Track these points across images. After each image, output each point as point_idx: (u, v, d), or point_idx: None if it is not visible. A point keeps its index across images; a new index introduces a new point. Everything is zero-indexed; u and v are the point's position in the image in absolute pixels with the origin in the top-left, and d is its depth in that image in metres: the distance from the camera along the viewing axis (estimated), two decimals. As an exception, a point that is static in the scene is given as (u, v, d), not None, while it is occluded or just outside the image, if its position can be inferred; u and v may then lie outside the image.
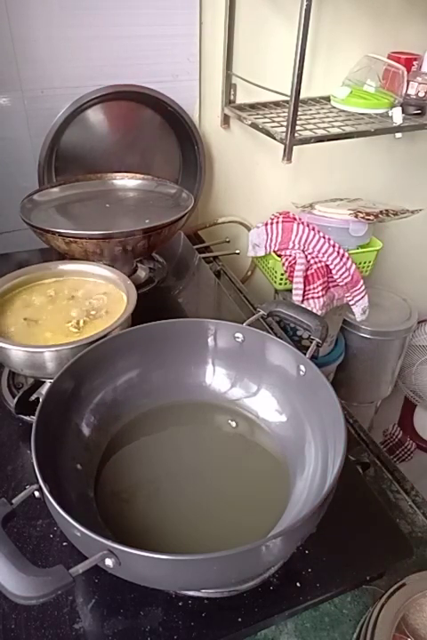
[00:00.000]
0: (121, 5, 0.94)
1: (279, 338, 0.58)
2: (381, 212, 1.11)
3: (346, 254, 1.09)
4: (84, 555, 0.39)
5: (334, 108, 1.12)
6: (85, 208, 0.93)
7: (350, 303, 1.15)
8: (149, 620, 0.45)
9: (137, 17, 0.96)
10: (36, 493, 0.40)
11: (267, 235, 1.10)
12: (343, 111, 1.10)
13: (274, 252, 1.12)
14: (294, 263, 1.09)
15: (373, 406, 1.57)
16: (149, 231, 0.79)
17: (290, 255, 1.10)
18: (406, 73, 1.08)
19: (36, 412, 0.46)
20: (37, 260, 0.75)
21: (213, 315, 0.91)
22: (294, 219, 1.12)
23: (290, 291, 1.11)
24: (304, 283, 1.09)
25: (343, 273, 1.09)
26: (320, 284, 1.09)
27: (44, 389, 0.57)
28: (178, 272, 1.01)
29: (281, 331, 0.91)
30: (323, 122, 1.05)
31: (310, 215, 1.14)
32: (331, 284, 1.13)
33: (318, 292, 1.10)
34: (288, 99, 0.92)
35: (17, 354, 0.57)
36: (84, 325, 0.64)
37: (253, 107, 1.12)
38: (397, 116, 1.07)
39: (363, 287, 1.13)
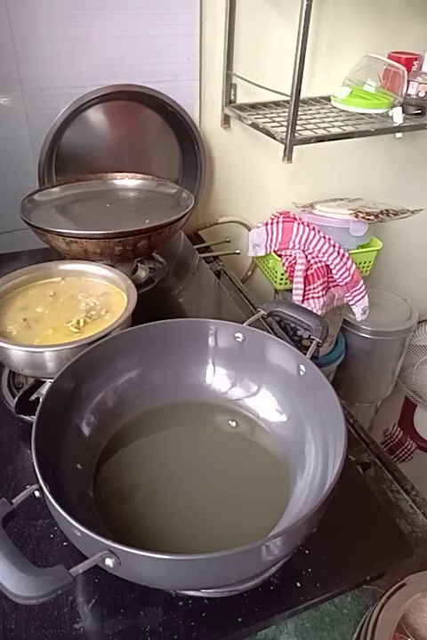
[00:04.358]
0: (121, 5, 0.94)
1: (279, 338, 0.58)
2: (381, 212, 1.11)
3: (346, 254, 1.09)
4: (84, 555, 0.39)
5: (335, 107, 1.12)
6: (86, 208, 0.92)
7: (351, 303, 1.15)
8: (149, 619, 0.45)
9: (137, 17, 0.96)
10: (37, 493, 0.40)
11: (267, 234, 1.10)
12: (344, 111, 1.10)
13: (274, 251, 1.12)
14: (295, 263, 1.09)
15: (373, 406, 1.57)
16: (150, 231, 0.79)
17: (290, 255, 1.10)
18: (406, 73, 1.08)
19: (37, 412, 0.46)
20: (37, 260, 0.75)
21: (214, 315, 0.91)
22: (295, 219, 1.12)
23: (290, 291, 1.11)
24: (304, 283, 1.09)
25: (344, 273, 1.09)
26: (320, 284, 1.09)
27: (45, 389, 0.57)
28: (178, 272, 1.01)
29: (281, 331, 0.91)
30: (323, 122, 1.05)
31: (311, 215, 1.14)
32: (331, 284, 1.13)
33: (318, 292, 1.10)
34: (289, 99, 0.92)
35: (17, 354, 0.57)
36: (84, 325, 0.64)
37: (253, 107, 1.12)
38: (397, 115, 1.07)
39: (363, 287, 1.13)
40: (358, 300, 1.14)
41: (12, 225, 0.98)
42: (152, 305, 0.82)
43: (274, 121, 1.04)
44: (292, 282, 1.10)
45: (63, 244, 0.78)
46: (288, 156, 0.96)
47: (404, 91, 1.09)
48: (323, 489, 0.41)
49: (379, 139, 1.17)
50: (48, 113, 0.95)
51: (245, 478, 0.54)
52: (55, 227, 0.78)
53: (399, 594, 0.46)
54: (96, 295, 0.70)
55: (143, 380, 0.60)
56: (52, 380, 0.50)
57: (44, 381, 0.62)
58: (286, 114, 0.94)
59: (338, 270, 1.09)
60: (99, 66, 0.97)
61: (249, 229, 1.24)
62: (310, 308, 0.87)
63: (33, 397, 0.62)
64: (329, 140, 1.01)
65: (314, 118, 1.07)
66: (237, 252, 1.20)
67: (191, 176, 1.14)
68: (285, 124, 0.97)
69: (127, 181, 0.99)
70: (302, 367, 0.54)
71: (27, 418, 0.63)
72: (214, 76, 1.10)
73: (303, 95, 0.93)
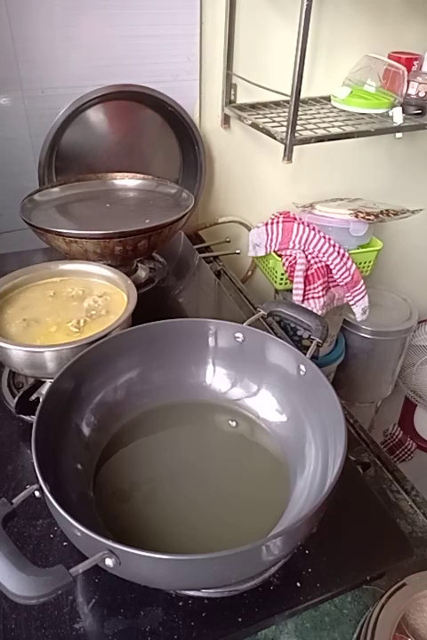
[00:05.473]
0: (121, 5, 0.94)
1: (280, 338, 0.58)
2: (381, 212, 1.11)
3: (346, 254, 1.09)
4: (84, 554, 0.39)
5: (335, 107, 1.12)
6: (86, 208, 0.92)
7: (351, 303, 1.15)
8: (150, 619, 0.45)
9: (137, 17, 0.96)
10: (37, 493, 0.40)
11: (267, 234, 1.10)
12: (344, 111, 1.10)
13: (274, 251, 1.12)
14: (295, 263, 1.09)
15: (373, 406, 1.57)
16: (150, 231, 0.79)
17: (290, 255, 1.10)
18: (406, 73, 1.08)
19: (37, 412, 0.46)
20: (37, 260, 0.75)
21: (214, 314, 0.91)
22: (295, 219, 1.12)
23: (290, 291, 1.11)
24: (304, 283, 1.09)
25: (344, 273, 1.09)
26: (321, 284, 1.09)
27: (45, 389, 0.57)
28: (178, 272, 1.01)
29: (281, 331, 0.91)
30: (323, 122, 1.05)
31: (311, 215, 1.14)
32: (331, 284, 1.13)
33: (318, 292, 1.10)
34: (289, 99, 0.92)
35: (17, 354, 0.57)
36: (84, 325, 0.64)
37: (253, 107, 1.12)
38: (397, 115, 1.07)
39: (363, 287, 1.13)
40: (359, 299, 1.14)
41: (12, 225, 0.98)
42: (152, 305, 0.82)
43: (274, 121, 1.04)
44: (292, 282, 1.10)
45: (63, 244, 0.78)
46: (288, 156, 0.96)
47: (404, 91, 1.09)
48: (323, 489, 0.41)
49: (379, 139, 1.17)
50: (48, 113, 0.95)
51: (245, 478, 0.54)
52: (55, 227, 0.78)
53: (399, 594, 0.46)
54: (96, 295, 0.70)
55: (143, 380, 0.60)
56: (52, 380, 0.50)
57: (44, 381, 0.62)
58: (286, 114, 0.94)
59: (338, 270, 1.09)
60: (99, 66, 0.97)
61: (249, 229, 1.24)
62: (310, 308, 0.87)
63: (33, 397, 0.62)
64: (329, 139, 1.00)
65: (314, 118, 1.07)
66: (237, 251, 1.20)
67: (191, 176, 1.14)
68: (285, 123, 0.97)
69: (127, 181, 0.99)
70: (302, 367, 0.54)
71: (27, 418, 0.63)
72: (214, 76, 1.10)
73: (303, 95, 0.93)
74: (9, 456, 0.59)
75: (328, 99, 1.15)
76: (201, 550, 0.36)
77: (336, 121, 1.06)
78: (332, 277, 1.11)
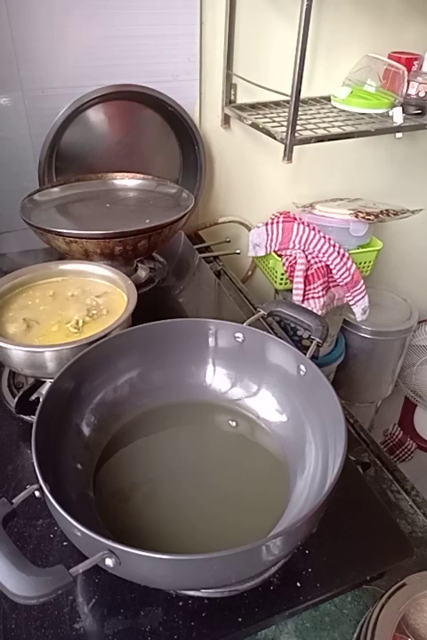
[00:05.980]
0: (121, 5, 0.94)
1: (280, 338, 0.58)
2: (381, 212, 1.11)
3: (346, 254, 1.09)
4: (84, 554, 0.39)
5: (335, 107, 1.12)
6: (86, 208, 0.93)
7: (351, 303, 1.15)
8: (150, 619, 0.45)
9: (137, 17, 0.97)
10: (37, 493, 0.40)
11: (267, 234, 1.10)
12: (344, 111, 1.10)
13: (274, 251, 1.12)
14: (295, 263, 1.09)
15: (373, 406, 1.57)
16: (150, 231, 0.79)
17: (290, 255, 1.10)
18: (406, 73, 1.08)
19: (37, 412, 0.46)
20: (37, 260, 0.75)
21: (214, 314, 0.91)
22: (295, 218, 1.12)
23: (290, 290, 1.11)
24: (305, 283, 1.09)
25: (344, 273, 1.09)
26: (321, 284, 1.09)
27: (45, 389, 0.57)
28: (178, 272, 1.01)
29: (281, 331, 0.91)
30: (323, 122, 1.05)
31: (311, 215, 1.14)
32: (331, 284, 1.13)
33: (318, 292, 1.10)
34: (289, 98, 0.92)
35: (17, 354, 0.57)
36: (84, 325, 0.64)
37: (253, 106, 1.12)
38: (397, 115, 1.07)
39: (363, 287, 1.13)
40: (359, 299, 1.14)
41: (12, 225, 0.98)
42: (152, 305, 0.82)
43: (274, 121, 1.04)
44: (292, 282, 1.10)
45: (63, 244, 0.78)
46: (288, 155, 0.96)
47: (404, 91, 1.09)
48: (323, 489, 0.41)
49: (379, 139, 1.17)
50: (48, 113, 0.95)
51: (245, 478, 0.54)
52: (55, 227, 0.78)
53: (399, 594, 0.46)
54: (96, 295, 0.70)
55: (143, 380, 0.60)
56: (52, 380, 0.50)
57: (44, 381, 0.62)
58: (286, 114, 0.94)
59: (338, 270, 1.09)
60: (99, 66, 0.97)
61: (249, 229, 1.24)
62: (310, 308, 0.87)
63: (33, 397, 0.62)
64: (329, 139, 1.00)
65: (314, 118, 1.07)
66: (238, 251, 1.20)
67: (191, 176, 1.14)
68: (285, 123, 0.97)
69: (127, 181, 0.99)
70: (302, 367, 0.54)
71: (27, 418, 0.63)
72: (214, 75, 1.10)
73: (303, 95, 0.93)
74: (9, 456, 0.59)
75: (328, 99, 1.15)
76: (201, 550, 0.36)
77: (336, 121, 1.06)
78: (332, 277, 1.11)
